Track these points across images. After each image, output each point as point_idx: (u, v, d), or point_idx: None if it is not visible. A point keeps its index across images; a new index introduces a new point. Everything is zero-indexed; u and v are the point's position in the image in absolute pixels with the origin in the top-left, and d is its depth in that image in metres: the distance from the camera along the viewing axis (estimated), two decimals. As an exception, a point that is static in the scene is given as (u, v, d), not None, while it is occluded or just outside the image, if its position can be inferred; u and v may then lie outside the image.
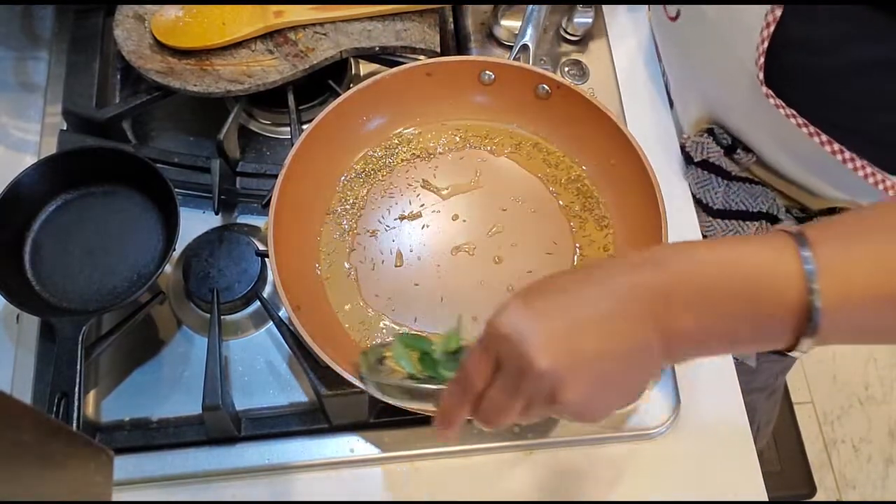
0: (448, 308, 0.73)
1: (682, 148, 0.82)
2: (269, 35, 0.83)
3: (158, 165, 0.75)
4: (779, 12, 0.62)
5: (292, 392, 0.74)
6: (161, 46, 0.81)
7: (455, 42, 0.92)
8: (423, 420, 0.69)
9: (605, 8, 0.94)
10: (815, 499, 1.55)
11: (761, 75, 0.66)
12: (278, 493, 0.70)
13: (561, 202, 0.77)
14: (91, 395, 0.73)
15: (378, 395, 0.57)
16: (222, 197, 0.79)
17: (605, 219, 0.76)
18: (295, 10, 0.83)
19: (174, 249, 0.71)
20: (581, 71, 0.89)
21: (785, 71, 0.66)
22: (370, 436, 0.71)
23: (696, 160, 0.79)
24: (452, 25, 0.93)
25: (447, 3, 0.91)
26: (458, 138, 0.81)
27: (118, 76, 0.89)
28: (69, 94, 0.84)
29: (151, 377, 0.74)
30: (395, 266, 0.75)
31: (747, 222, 0.78)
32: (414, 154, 0.80)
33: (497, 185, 0.78)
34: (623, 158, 0.74)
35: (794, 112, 0.67)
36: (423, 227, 0.76)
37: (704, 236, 0.80)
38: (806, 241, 0.44)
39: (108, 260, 0.74)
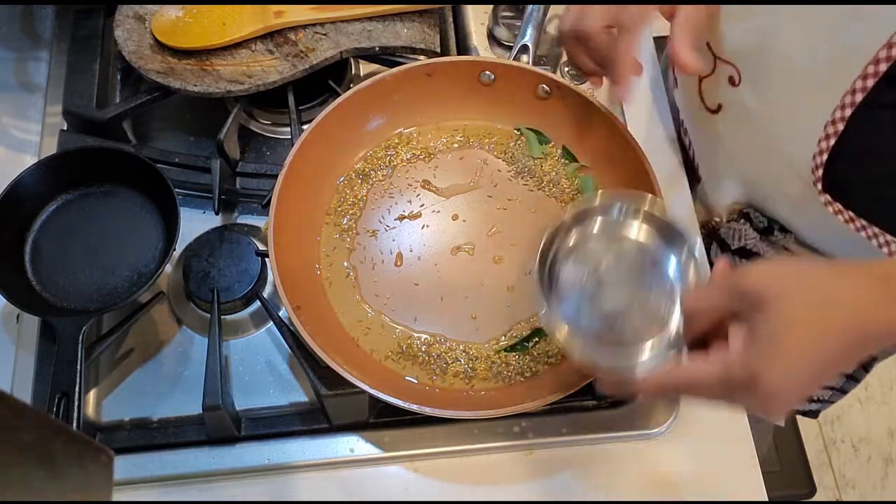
0: (448, 308, 0.73)
1: (715, 232, 0.77)
2: (269, 35, 0.83)
3: (158, 165, 0.75)
4: (841, 126, 0.59)
5: (292, 392, 0.74)
6: (161, 46, 0.81)
7: (455, 42, 0.92)
8: (423, 420, 0.69)
9: (605, 8, 0.93)
10: (814, 499, 1.55)
11: (819, 185, 0.63)
12: (278, 493, 0.70)
13: (561, 202, 0.77)
14: (91, 395, 0.73)
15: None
16: (222, 197, 0.79)
17: None
18: (295, 10, 0.83)
19: (174, 249, 0.71)
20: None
21: (841, 178, 0.63)
22: (370, 436, 0.71)
23: (732, 247, 0.75)
24: (452, 25, 0.93)
25: (447, 2, 0.91)
26: (458, 138, 0.81)
27: (118, 76, 0.89)
28: (69, 94, 0.84)
29: (151, 377, 0.74)
30: (395, 266, 0.75)
31: None
32: (414, 154, 0.80)
33: (497, 185, 0.78)
34: (622, 158, 0.74)
35: (852, 215, 0.64)
36: (423, 227, 0.76)
37: None
38: None
39: (108, 260, 0.74)
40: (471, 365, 0.70)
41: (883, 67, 0.55)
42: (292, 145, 0.74)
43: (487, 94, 0.79)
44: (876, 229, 0.64)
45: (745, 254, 0.75)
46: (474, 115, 0.81)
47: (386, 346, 0.71)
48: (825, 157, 0.61)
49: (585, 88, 0.87)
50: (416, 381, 0.70)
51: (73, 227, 0.75)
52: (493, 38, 0.91)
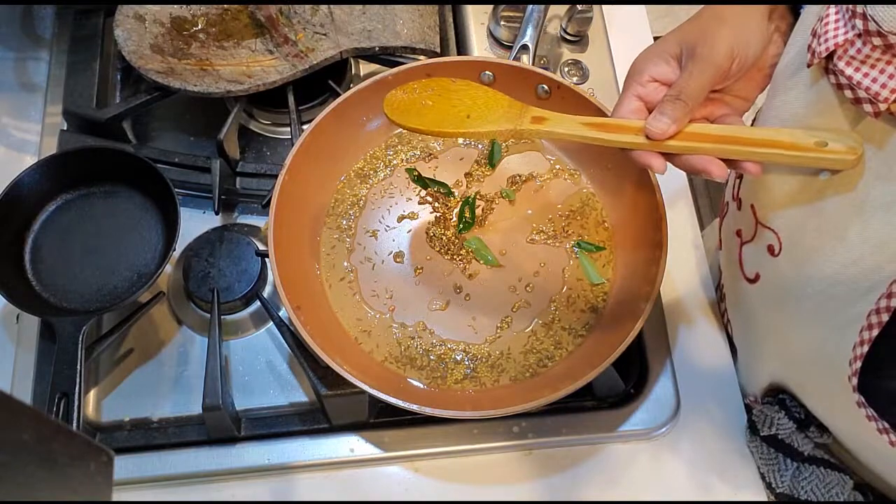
0: (448, 309, 0.73)
1: (747, 412, 0.72)
2: (269, 35, 0.83)
3: (158, 165, 0.75)
4: (876, 332, 0.52)
5: (292, 392, 0.74)
6: (161, 47, 0.81)
7: (455, 42, 0.92)
8: (423, 420, 0.70)
9: (605, 8, 0.94)
10: (814, 499, 1.55)
11: (854, 381, 0.55)
12: (278, 493, 0.70)
13: (560, 202, 0.77)
14: (91, 395, 0.73)
15: None
16: (222, 197, 0.79)
17: (605, 218, 0.76)
18: (557, 119, 0.62)
19: (174, 249, 0.71)
20: (581, 71, 0.89)
21: (879, 388, 0.55)
22: (370, 436, 0.71)
23: (762, 433, 0.69)
24: (452, 25, 0.93)
25: (447, 2, 0.91)
26: (458, 138, 0.81)
27: (118, 76, 0.89)
28: (69, 94, 0.84)
29: (151, 377, 0.74)
30: (395, 266, 0.75)
31: None
32: (414, 154, 0.80)
33: (498, 186, 0.78)
34: (623, 159, 0.73)
35: (888, 426, 0.55)
36: (423, 227, 0.76)
37: None
38: None
39: (108, 260, 0.74)
40: (471, 366, 0.70)
41: None
42: (292, 145, 0.74)
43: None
44: None
45: (776, 444, 0.68)
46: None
47: (386, 347, 0.71)
48: (860, 364, 0.54)
49: (585, 89, 0.87)
50: (416, 382, 0.70)
51: (73, 227, 0.75)
52: (493, 38, 0.91)
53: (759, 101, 0.64)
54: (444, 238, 0.75)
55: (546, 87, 0.77)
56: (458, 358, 0.71)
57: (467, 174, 0.79)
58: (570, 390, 0.63)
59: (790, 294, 0.59)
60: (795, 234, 0.58)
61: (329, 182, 0.78)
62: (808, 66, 0.52)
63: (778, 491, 0.68)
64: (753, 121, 0.67)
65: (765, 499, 0.71)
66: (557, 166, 0.79)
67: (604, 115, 0.75)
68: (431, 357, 0.71)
